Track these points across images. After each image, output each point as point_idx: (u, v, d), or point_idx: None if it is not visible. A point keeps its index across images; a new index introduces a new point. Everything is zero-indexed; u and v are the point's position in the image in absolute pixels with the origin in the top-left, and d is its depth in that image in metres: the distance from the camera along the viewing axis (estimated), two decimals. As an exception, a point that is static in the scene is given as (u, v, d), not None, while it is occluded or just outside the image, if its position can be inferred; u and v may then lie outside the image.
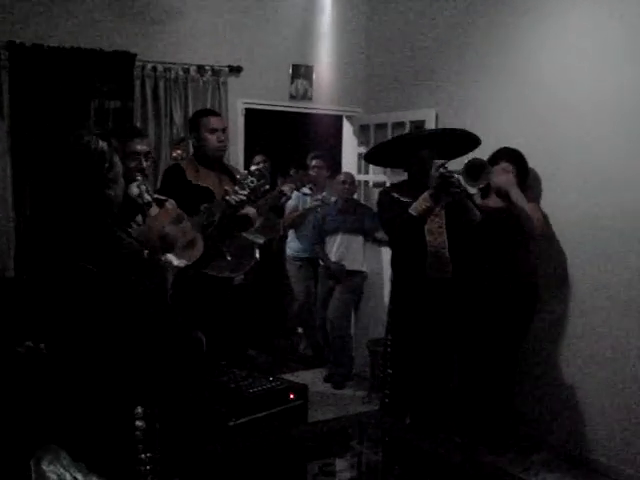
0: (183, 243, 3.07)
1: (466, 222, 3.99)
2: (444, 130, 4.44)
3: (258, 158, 5.96)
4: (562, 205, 4.22)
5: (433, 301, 4.09)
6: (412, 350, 4.17)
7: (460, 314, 4.19)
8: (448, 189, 3.76)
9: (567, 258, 4.25)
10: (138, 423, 2.05)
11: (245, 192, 3.66)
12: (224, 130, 4.14)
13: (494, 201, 4.27)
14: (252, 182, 3.67)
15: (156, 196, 3.34)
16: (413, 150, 4.08)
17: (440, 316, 4.11)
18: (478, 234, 4.07)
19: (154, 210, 3.18)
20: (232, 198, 3.64)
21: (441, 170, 3.74)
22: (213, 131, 4.04)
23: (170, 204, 3.36)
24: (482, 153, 4.45)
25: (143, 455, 2.04)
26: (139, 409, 2.07)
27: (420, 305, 4.10)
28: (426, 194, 3.82)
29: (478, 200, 4.31)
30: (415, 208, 3.84)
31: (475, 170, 3.70)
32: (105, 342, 2.07)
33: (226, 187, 3.75)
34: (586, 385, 4.16)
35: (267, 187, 3.88)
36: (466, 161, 3.72)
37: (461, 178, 3.75)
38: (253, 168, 3.81)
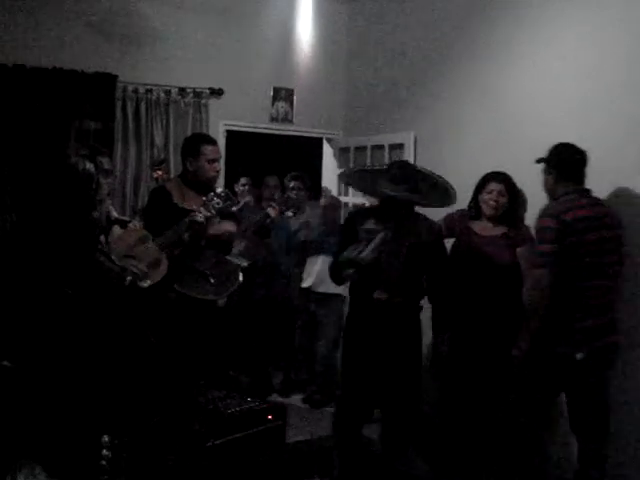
0: (148, 263, 3.08)
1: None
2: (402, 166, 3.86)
3: (243, 180, 5.89)
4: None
5: (380, 324, 3.75)
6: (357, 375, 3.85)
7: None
8: None
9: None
10: (104, 452, 1.99)
11: (210, 213, 3.68)
12: (219, 159, 4.16)
13: (483, 226, 4.15)
14: (218, 204, 3.70)
15: (120, 217, 3.36)
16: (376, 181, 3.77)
17: (388, 340, 3.76)
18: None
19: (117, 231, 3.20)
20: (197, 219, 3.66)
21: None
22: (212, 161, 4.05)
23: (133, 224, 3.37)
24: (460, 176, 4.49)
25: None
26: (105, 438, 2.00)
27: (367, 328, 3.78)
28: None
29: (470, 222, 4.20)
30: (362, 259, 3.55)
31: None
32: (73, 364, 2.05)
33: (194, 207, 3.76)
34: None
35: (233, 209, 3.89)
36: None
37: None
38: (219, 190, 3.84)
